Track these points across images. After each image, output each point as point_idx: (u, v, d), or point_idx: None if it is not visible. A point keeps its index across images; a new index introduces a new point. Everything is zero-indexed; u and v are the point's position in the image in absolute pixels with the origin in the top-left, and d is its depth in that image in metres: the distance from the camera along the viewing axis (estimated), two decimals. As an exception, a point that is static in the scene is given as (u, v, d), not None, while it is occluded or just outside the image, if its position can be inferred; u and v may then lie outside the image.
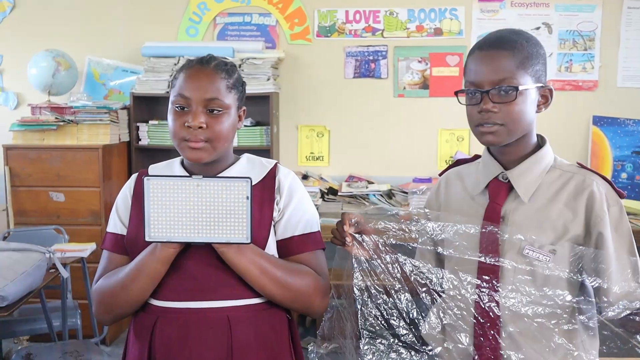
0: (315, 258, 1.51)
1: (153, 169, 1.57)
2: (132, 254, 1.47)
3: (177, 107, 1.43)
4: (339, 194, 4.19)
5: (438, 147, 4.42)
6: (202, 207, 1.32)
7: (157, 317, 1.42)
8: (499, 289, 1.35)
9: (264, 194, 1.48)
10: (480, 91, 1.35)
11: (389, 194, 4.20)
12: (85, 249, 3.17)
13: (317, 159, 4.45)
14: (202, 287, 1.41)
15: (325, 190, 4.25)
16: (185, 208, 1.31)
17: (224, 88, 1.45)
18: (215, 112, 1.43)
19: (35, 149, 3.96)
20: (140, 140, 4.23)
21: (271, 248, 1.48)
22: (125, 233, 1.51)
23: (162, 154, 4.38)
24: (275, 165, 1.55)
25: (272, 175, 1.52)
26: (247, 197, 1.32)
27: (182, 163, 1.55)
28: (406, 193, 4.15)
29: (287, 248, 1.49)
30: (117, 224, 1.53)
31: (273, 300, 1.45)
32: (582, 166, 1.42)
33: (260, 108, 4.14)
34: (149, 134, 4.21)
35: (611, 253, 1.31)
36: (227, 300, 1.42)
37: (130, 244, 1.48)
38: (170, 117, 1.45)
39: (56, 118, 3.98)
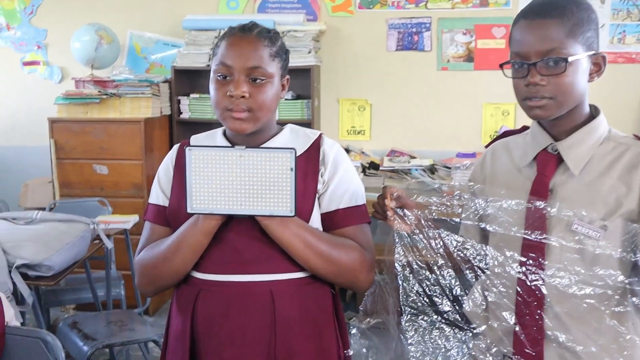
0: (360, 232, 1.47)
1: (195, 139, 1.55)
2: (174, 226, 1.46)
3: (219, 76, 1.40)
4: (381, 168, 4.15)
5: (482, 122, 4.31)
6: (245, 178, 1.29)
7: (200, 290, 1.42)
8: (545, 267, 1.28)
9: (308, 165, 1.45)
10: (526, 63, 1.28)
11: (432, 169, 4.13)
12: (128, 220, 3.21)
13: (358, 133, 4.40)
14: (245, 260, 1.39)
15: (367, 165, 4.20)
16: (227, 179, 1.29)
17: (266, 56, 1.40)
18: (258, 81, 1.39)
19: (79, 122, 4.01)
20: (181, 113, 4.25)
21: (315, 221, 1.45)
22: (167, 204, 1.50)
23: (203, 127, 4.39)
24: (320, 136, 1.51)
25: (316, 146, 1.49)
26: (292, 169, 1.29)
27: (224, 133, 1.52)
28: (449, 168, 4.07)
29: (331, 221, 1.46)
30: (158, 195, 1.52)
31: (317, 275, 1.43)
32: (639, 138, 1.34)
33: (301, 81, 4.10)
34: (190, 107, 4.22)
35: None
36: (270, 274, 1.40)
37: (172, 216, 1.47)
38: (212, 86, 1.43)
39: (99, 91, 4.01)
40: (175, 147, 1.56)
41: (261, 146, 1.45)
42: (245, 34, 1.42)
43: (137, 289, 1.52)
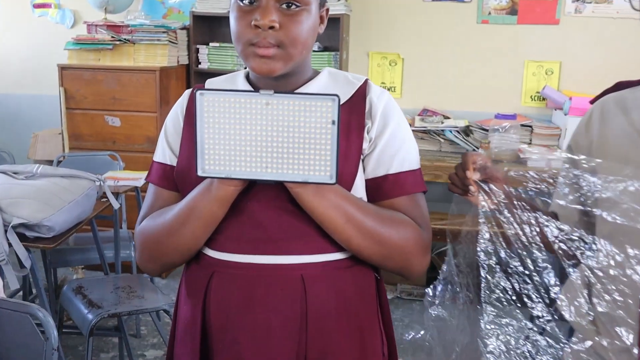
0: (415, 203, 1.17)
1: (211, 82, 1.26)
2: (182, 190, 1.18)
3: (241, 2, 1.10)
4: (412, 128, 3.80)
5: (523, 81, 3.99)
6: (272, 133, 1.00)
7: (213, 272, 1.14)
8: None
9: (352, 118, 1.15)
10: None
11: (467, 131, 3.82)
12: (140, 177, 2.96)
13: (388, 89, 4.08)
14: (271, 237, 1.11)
15: (397, 124, 3.90)
16: (250, 134, 1.00)
17: None
18: (292, 7, 1.09)
19: (91, 69, 3.75)
20: (200, 63, 3.98)
21: (359, 189, 1.15)
22: (174, 164, 1.22)
23: (222, 79, 4.14)
24: (366, 82, 1.21)
25: (361, 94, 1.18)
26: (334, 122, 0.99)
27: (247, 77, 1.23)
28: (486, 130, 3.76)
29: (378, 189, 1.16)
30: (165, 151, 1.24)
31: (360, 256, 1.14)
32: None
33: (328, 32, 3.73)
34: (209, 57, 3.95)
35: None
36: (302, 254, 1.11)
37: (181, 178, 1.19)
38: (232, 15, 1.12)
39: (112, 37, 3.74)
40: (187, 92, 1.26)
41: (294, 92, 1.15)
42: None
43: (138, 265, 1.25)
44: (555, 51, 3.91)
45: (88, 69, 3.74)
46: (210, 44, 3.94)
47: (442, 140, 3.84)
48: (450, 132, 3.81)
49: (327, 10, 1.18)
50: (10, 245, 2.09)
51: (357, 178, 1.14)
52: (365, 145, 1.16)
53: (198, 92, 1.00)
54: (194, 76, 3.99)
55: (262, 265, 1.11)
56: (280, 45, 1.08)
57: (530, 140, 3.82)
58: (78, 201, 2.29)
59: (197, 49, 3.96)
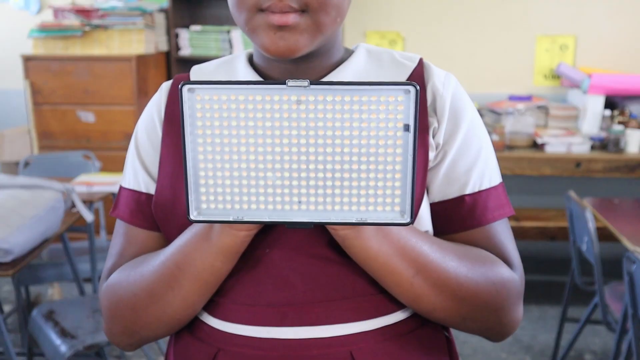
0: (501, 234, 0.83)
1: (198, 71, 0.89)
2: (165, 230, 0.83)
3: None
4: (417, 114, 3.51)
5: (535, 58, 3.66)
6: (307, 149, 0.63)
7: (218, 351, 0.78)
8: None
9: None
10: None
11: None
12: (116, 182, 2.60)
13: (389, 72, 3.75)
14: (302, 300, 0.76)
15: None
16: None
17: None
18: None
19: (59, 59, 3.36)
20: (180, 49, 3.63)
21: (424, 219, 0.81)
22: (151, 191, 0.85)
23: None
24: (421, 62, 0.85)
25: (419, 80, 0.82)
26: (407, 127, 0.62)
27: (249, 61, 0.87)
28: (499, 113, 3.43)
29: (451, 217, 0.82)
30: (138, 174, 0.86)
31: (430, 318, 0.79)
32: None
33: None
34: (191, 42, 3.61)
35: None
36: (349, 322, 0.77)
37: (162, 212, 0.83)
38: None
39: (82, 22, 3.37)
40: (165, 85, 0.89)
41: (326, 79, 0.79)
42: None
43: (107, 338, 0.88)
44: (569, 24, 3.59)
45: (56, 59, 3.36)
46: (192, 27, 3.60)
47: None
48: (459, 116, 3.47)
49: None
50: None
51: (422, 203, 0.79)
52: (431, 154, 0.80)
53: (185, 87, 0.63)
54: (174, 63, 3.65)
55: (290, 341, 0.75)
56: (305, 10, 0.72)
57: (546, 123, 3.51)
58: (42, 216, 1.92)
59: (177, 34, 3.62)
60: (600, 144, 3.28)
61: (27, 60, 3.37)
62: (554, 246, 3.70)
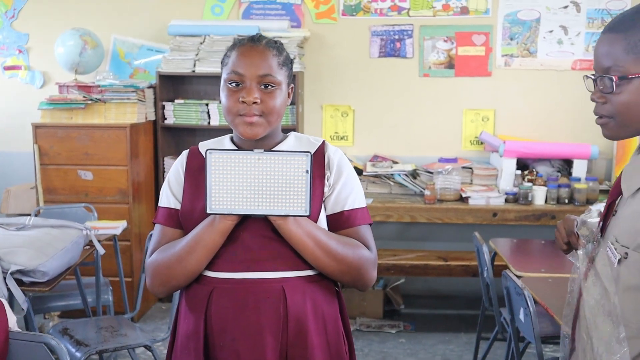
0: (364, 232, 1.55)
1: (203, 145, 1.60)
2: (187, 227, 1.51)
3: (230, 83, 1.47)
4: (364, 173, 4.20)
5: (463, 127, 4.41)
6: (262, 180, 1.35)
7: (213, 288, 1.46)
8: None
9: (315, 169, 1.50)
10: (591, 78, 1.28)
11: (414, 174, 4.20)
12: (117, 226, 3.21)
13: (341, 138, 4.46)
14: (258, 258, 1.45)
15: (350, 170, 4.24)
16: (246, 181, 1.36)
17: (275, 65, 1.48)
18: (268, 87, 1.47)
19: (64, 127, 3.98)
20: (165, 119, 4.24)
21: (322, 223, 1.51)
22: (178, 207, 1.54)
23: (187, 133, 4.43)
24: (323, 142, 1.58)
25: (321, 151, 1.55)
26: (307, 171, 1.35)
27: (232, 140, 1.58)
28: (431, 173, 4.15)
29: (336, 222, 1.53)
30: (169, 198, 1.57)
31: (324, 272, 1.49)
32: None
33: (285, 87, 4.12)
34: (175, 113, 4.21)
35: None
36: (282, 271, 1.46)
37: (185, 217, 1.52)
38: (223, 94, 1.49)
39: (84, 97, 4.00)
40: (185, 152, 1.61)
41: (278, 150, 1.51)
42: (255, 44, 1.49)
43: (149, 290, 1.55)
44: (489, 100, 4.35)
45: (61, 127, 3.97)
46: (176, 101, 4.22)
47: (392, 183, 4.20)
48: (399, 175, 4.18)
49: (292, 88, 1.57)
50: (8, 289, 2.31)
51: (320, 214, 1.50)
52: (325, 189, 1.52)
53: (208, 151, 1.36)
54: (160, 131, 4.25)
55: (252, 279, 1.45)
56: (261, 115, 1.45)
57: (471, 180, 4.22)
58: (68, 248, 2.54)
59: (163, 106, 4.22)
60: (513, 198, 3.99)
61: (37, 127, 3.98)
62: (476, 281, 4.35)
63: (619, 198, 1.32)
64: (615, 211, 1.31)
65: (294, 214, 1.38)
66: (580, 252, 1.39)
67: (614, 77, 1.22)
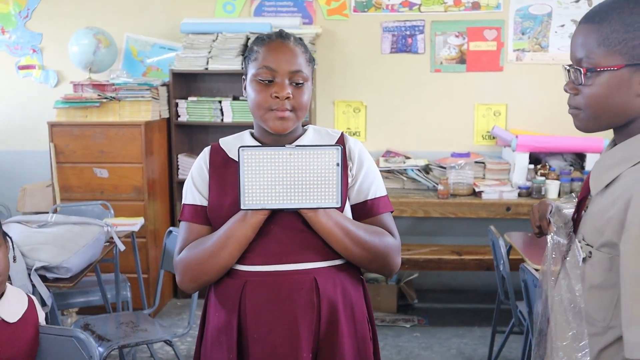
0: (387, 219, 1.59)
1: (224, 142, 1.62)
2: (215, 223, 1.53)
3: (260, 79, 1.49)
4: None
5: (474, 122, 4.42)
6: (294, 174, 1.38)
7: (246, 281, 1.49)
8: None
9: None
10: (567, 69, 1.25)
11: (426, 169, 4.22)
12: (136, 223, 3.24)
13: (354, 134, 4.48)
14: (289, 250, 1.48)
15: (363, 166, 4.26)
16: (278, 176, 1.38)
17: (304, 61, 1.52)
18: (299, 83, 1.50)
19: (79, 125, 4.02)
20: (179, 116, 4.27)
21: (347, 212, 1.55)
22: (204, 204, 1.56)
23: (200, 130, 4.46)
24: (342, 134, 1.61)
25: (341, 143, 1.58)
26: (338, 164, 1.38)
27: (252, 135, 1.60)
28: (444, 168, 4.17)
29: (361, 211, 1.57)
30: (195, 195, 1.58)
31: (353, 261, 1.53)
32: None
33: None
34: (188, 110, 4.24)
35: None
36: (313, 262, 1.50)
37: (213, 213, 1.54)
38: (253, 88, 1.50)
39: (98, 95, 4.03)
40: (207, 149, 1.63)
41: (311, 144, 1.54)
42: (284, 41, 1.52)
43: (179, 286, 1.57)
44: (501, 95, 4.36)
45: (77, 125, 4.01)
46: (189, 98, 4.25)
47: (404, 178, 4.22)
48: (412, 170, 4.20)
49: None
50: (33, 285, 2.35)
51: (345, 205, 1.53)
52: (349, 180, 1.55)
53: (240, 149, 1.38)
54: (174, 128, 4.28)
55: (284, 271, 1.48)
56: (292, 110, 1.48)
57: (484, 175, 4.23)
58: (90, 245, 2.57)
59: (177, 103, 4.25)
60: (526, 192, 4.01)
61: (53, 126, 4.02)
62: (490, 275, 4.35)
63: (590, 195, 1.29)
64: (587, 207, 1.29)
65: (326, 206, 1.41)
66: (549, 238, 1.42)
67: (582, 69, 1.20)
